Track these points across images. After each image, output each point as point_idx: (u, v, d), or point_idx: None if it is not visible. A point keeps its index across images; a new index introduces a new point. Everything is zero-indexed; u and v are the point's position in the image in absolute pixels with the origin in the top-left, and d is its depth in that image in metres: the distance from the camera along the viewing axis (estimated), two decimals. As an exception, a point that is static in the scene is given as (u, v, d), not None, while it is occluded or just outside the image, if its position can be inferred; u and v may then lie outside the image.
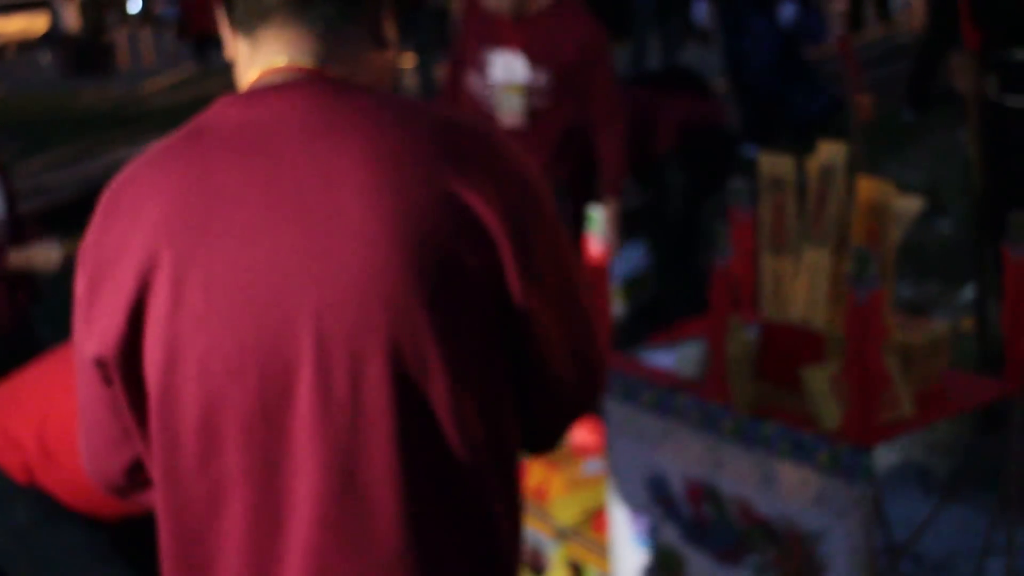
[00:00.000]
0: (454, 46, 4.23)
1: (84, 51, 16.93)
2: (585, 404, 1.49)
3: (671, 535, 2.42)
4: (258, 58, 1.35)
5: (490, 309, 1.30)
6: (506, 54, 3.85)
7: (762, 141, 7.16)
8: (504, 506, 1.36)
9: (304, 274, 1.25)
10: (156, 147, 1.35)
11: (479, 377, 1.32)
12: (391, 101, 1.32)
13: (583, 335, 1.41)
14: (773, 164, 2.22)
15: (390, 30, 1.41)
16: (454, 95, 3.98)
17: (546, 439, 1.49)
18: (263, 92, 1.32)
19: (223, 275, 1.27)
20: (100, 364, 1.35)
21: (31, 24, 19.76)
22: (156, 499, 1.38)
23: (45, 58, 18.63)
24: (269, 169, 1.27)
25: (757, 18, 7.24)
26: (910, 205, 2.25)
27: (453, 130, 1.31)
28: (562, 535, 2.78)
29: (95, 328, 1.33)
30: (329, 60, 1.34)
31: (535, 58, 3.85)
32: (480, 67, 3.92)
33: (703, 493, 2.32)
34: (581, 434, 2.96)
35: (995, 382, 2.36)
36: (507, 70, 3.85)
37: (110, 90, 15.34)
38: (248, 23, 1.34)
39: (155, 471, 1.37)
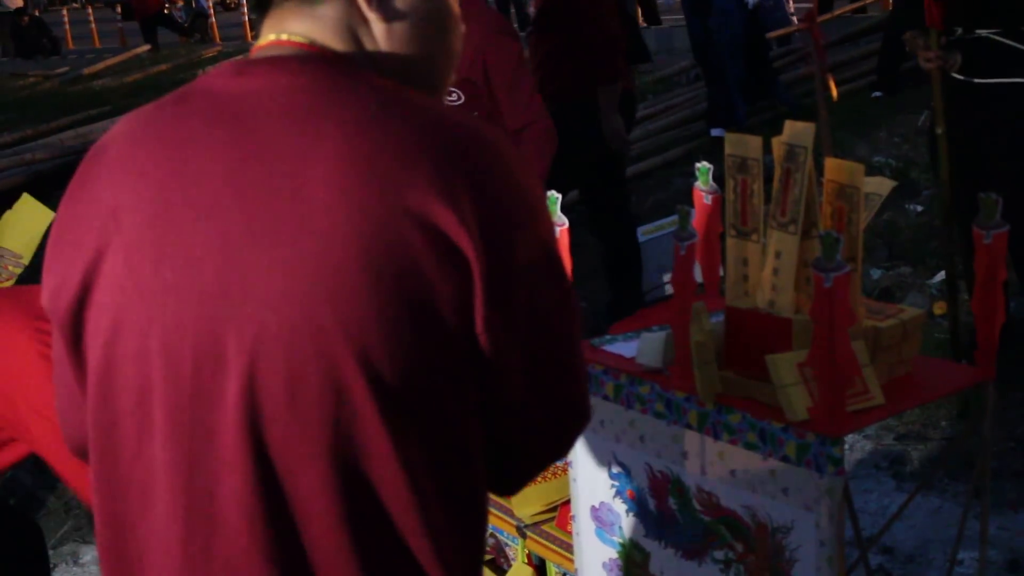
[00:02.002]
0: None
1: (25, 31, 16.70)
2: (552, 452, 1.38)
3: (635, 529, 2.35)
4: (261, 35, 1.31)
5: (454, 335, 1.20)
6: None
7: (728, 122, 7.11)
8: (455, 548, 1.26)
9: (255, 267, 1.18)
10: (145, 108, 1.31)
11: (435, 408, 1.22)
12: (385, 92, 1.24)
13: (557, 379, 1.30)
14: (738, 144, 2.14)
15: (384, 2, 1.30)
16: None
17: (505, 482, 1.38)
18: (255, 64, 1.26)
19: (175, 249, 1.21)
20: (52, 314, 1.30)
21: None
22: (91, 481, 1.31)
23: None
24: (241, 145, 1.20)
25: None
26: (881, 186, 2.18)
27: (444, 136, 1.21)
28: (524, 530, 2.70)
29: (50, 280, 1.29)
30: (320, 40, 1.28)
31: None
32: None
33: (668, 485, 2.25)
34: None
35: (967, 368, 2.30)
36: None
37: (55, 71, 15.12)
38: (262, 7, 1.32)
39: (91, 451, 1.30)
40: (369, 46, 1.30)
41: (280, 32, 1.29)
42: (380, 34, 1.30)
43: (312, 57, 1.26)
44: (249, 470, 1.20)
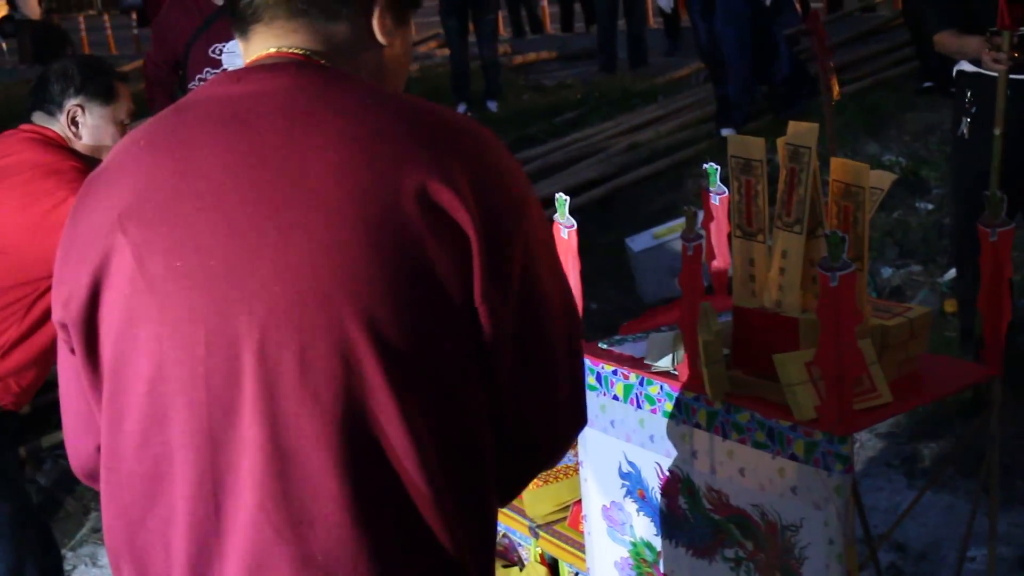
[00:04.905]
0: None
1: (43, 38, 16.76)
2: (542, 448, 1.41)
3: (646, 528, 2.37)
4: (250, 52, 1.36)
5: (457, 306, 1.25)
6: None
7: (739, 123, 7.09)
8: (463, 523, 1.30)
9: (261, 248, 1.23)
10: (145, 123, 1.37)
11: (443, 381, 1.27)
12: (376, 90, 1.31)
13: (545, 373, 1.35)
14: (740, 146, 2.16)
15: (386, 27, 1.38)
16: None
17: (500, 484, 1.40)
18: (252, 71, 1.32)
19: (184, 242, 1.25)
20: (63, 328, 1.35)
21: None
22: (100, 478, 1.36)
23: (1, 45, 18.46)
24: (243, 142, 1.26)
25: None
26: (882, 180, 2.19)
27: (436, 123, 1.28)
28: (536, 530, 2.72)
29: (61, 292, 1.33)
30: (319, 53, 1.34)
31: None
32: (214, 64, 3.88)
33: (678, 485, 2.26)
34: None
35: (975, 366, 2.31)
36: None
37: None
38: (243, 24, 1.37)
39: (102, 451, 1.35)
40: (362, 64, 1.37)
41: (280, 46, 1.35)
42: (384, 59, 1.39)
43: (307, 64, 1.33)
44: (264, 445, 1.23)
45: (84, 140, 2.89)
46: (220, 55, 3.85)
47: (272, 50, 1.35)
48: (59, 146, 2.85)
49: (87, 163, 2.83)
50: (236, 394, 1.24)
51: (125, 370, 1.29)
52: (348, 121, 1.25)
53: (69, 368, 1.39)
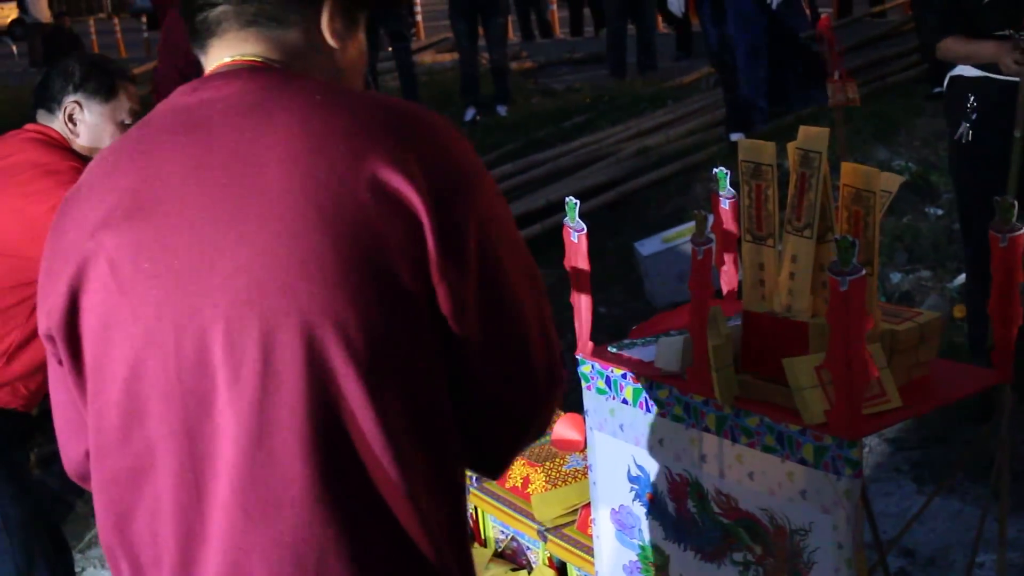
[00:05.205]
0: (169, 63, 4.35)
1: (53, 41, 16.82)
2: (519, 420, 1.44)
3: (655, 532, 2.37)
4: (209, 64, 1.42)
5: (414, 289, 1.28)
6: None
7: (748, 128, 7.07)
8: (434, 504, 1.33)
9: (221, 244, 1.27)
10: (113, 143, 1.44)
11: (403, 363, 1.30)
12: (327, 87, 1.36)
13: (518, 341, 1.38)
14: (751, 151, 2.16)
15: (336, 30, 1.43)
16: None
17: (486, 459, 1.46)
18: (208, 79, 1.38)
19: (150, 245, 1.31)
20: (50, 340, 1.40)
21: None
22: (91, 478, 1.41)
23: (11, 48, 18.57)
24: (200, 146, 1.31)
25: (742, 1, 7.09)
26: (890, 182, 2.19)
27: (385, 111, 1.33)
28: (545, 533, 2.72)
29: (44, 305, 1.39)
30: (273, 60, 1.40)
31: None
32: None
33: (687, 488, 2.26)
34: (563, 430, 2.90)
35: (985, 370, 2.30)
36: None
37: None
38: (200, 39, 1.43)
39: (90, 453, 1.40)
40: (316, 67, 1.42)
41: (235, 54, 1.40)
42: (337, 62, 1.44)
43: (260, 68, 1.38)
44: (235, 432, 1.28)
45: (81, 139, 2.86)
46: None
47: (227, 59, 1.40)
48: (60, 146, 2.83)
49: (86, 163, 2.82)
50: (208, 384, 1.29)
51: (104, 372, 1.35)
52: (300, 117, 1.30)
53: (58, 378, 1.46)
